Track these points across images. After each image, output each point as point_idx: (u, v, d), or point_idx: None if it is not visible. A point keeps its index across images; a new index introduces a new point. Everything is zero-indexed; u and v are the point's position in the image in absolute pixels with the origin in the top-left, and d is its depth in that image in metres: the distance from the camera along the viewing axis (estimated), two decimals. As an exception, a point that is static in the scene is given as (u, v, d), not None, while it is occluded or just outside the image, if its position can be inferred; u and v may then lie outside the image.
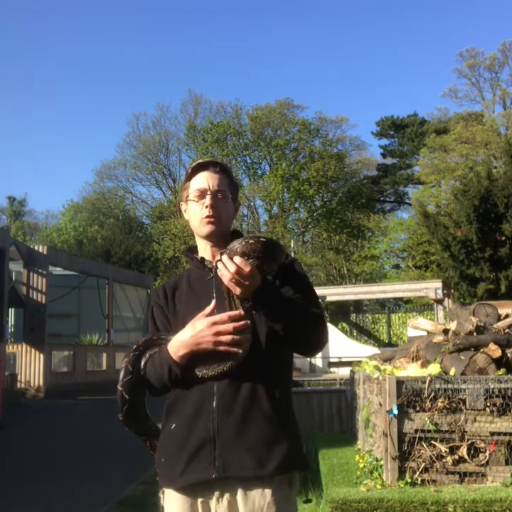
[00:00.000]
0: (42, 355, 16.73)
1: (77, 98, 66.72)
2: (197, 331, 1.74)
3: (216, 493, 1.77)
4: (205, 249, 1.98)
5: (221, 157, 35.27)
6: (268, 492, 1.74)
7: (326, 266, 35.92)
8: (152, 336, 1.90)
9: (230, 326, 1.71)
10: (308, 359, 19.33)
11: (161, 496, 1.91)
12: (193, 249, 2.04)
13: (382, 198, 39.68)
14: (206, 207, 1.91)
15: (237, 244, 1.72)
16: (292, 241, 30.00)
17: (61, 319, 19.94)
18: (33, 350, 16.73)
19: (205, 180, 1.94)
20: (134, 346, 1.87)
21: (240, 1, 61.54)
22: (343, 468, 4.67)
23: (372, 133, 40.82)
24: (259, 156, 36.49)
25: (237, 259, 1.69)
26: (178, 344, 1.76)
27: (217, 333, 1.71)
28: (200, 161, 2.01)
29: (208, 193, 1.92)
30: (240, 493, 1.75)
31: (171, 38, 63.45)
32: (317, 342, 1.84)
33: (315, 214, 35.74)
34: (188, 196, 1.97)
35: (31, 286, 17.24)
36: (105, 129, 69.29)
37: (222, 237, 1.93)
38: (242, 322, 1.72)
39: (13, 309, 18.62)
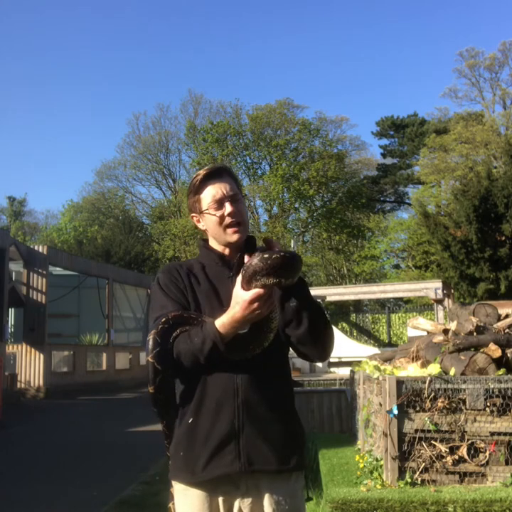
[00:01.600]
0: (42, 355, 16.73)
1: (77, 98, 66.80)
2: (246, 303, 1.69)
3: (241, 489, 1.81)
4: (223, 250, 1.97)
5: (221, 157, 35.31)
6: (290, 483, 1.85)
7: (326, 266, 35.93)
8: (182, 312, 1.84)
9: (267, 294, 1.69)
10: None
11: (172, 491, 1.90)
12: (207, 242, 2.02)
13: (382, 198, 39.69)
14: (229, 214, 1.90)
15: (256, 261, 1.67)
16: (292, 241, 30.00)
17: (61, 319, 19.96)
18: (33, 350, 16.74)
19: (217, 189, 1.93)
20: (163, 319, 1.81)
21: (240, 2, 61.57)
22: (343, 468, 4.67)
23: (372, 133, 40.90)
24: (259, 156, 36.49)
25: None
26: (230, 320, 1.73)
27: (261, 305, 1.69)
28: (203, 172, 1.97)
29: (227, 201, 1.91)
30: (263, 487, 1.81)
31: (171, 39, 63.50)
32: (329, 346, 1.90)
33: (315, 214, 35.75)
34: (203, 209, 1.94)
35: (31, 286, 17.24)
36: (105, 129, 69.34)
37: (242, 242, 1.94)
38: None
39: (13, 309, 18.63)
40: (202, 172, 1.97)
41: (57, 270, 19.07)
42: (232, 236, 1.91)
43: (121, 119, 76.81)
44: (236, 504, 1.82)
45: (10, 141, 69.60)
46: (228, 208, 1.90)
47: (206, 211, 1.93)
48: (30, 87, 66.92)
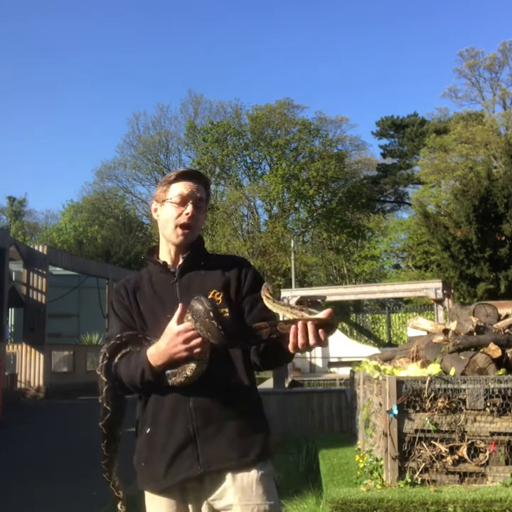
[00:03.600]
0: (42, 355, 16.72)
1: (77, 98, 66.79)
2: (167, 341, 1.75)
3: (205, 485, 1.85)
4: (169, 253, 2.02)
5: (221, 157, 35.33)
6: (254, 471, 1.87)
7: (326, 266, 35.92)
8: (137, 333, 1.92)
9: (194, 333, 1.72)
10: (309, 359, 19.35)
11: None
12: (154, 251, 2.07)
13: (382, 198, 39.68)
14: (187, 214, 1.95)
15: (200, 307, 1.71)
16: (292, 241, 30.01)
17: (61, 319, 19.95)
18: (33, 350, 16.73)
19: (189, 187, 1.98)
20: (118, 335, 1.91)
21: (240, 2, 61.55)
22: (343, 468, 4.67)
23: (372, 133, 40.92)
24: (259, 156, 36.49)
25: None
26: (156, 354, 1.78)
27: (186, 341, 1.72)
28: (184, 169, 2.06)
29: (191, 201, 1.96)
30: (228, 478, 1.84)
31: (171, 39, 63.49)
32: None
33: (315, 214, 35.74)
34: (166, 198, 1.99)
35: (31, 286, 17.23)
36: (105, 129, 69.37)
37: (189, 244, 1.99)
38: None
39: (13, 309, 18.62)
40: (183, 169, 2.08)
41: (57, 270, 19.06)
42: (179, 237, 1.96)
43: (121, 119, 76.92)
44: (204, 504, 1.86)
45: (10, 141, 69.63)
46: (189, 208, 1.95)
47: (168, 200, 1.97)
48: (30, 87, 66.97)
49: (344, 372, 14.38)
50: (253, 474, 1.86)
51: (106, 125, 69.46)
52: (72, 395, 16.16)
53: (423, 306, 24.37)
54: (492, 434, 3.89)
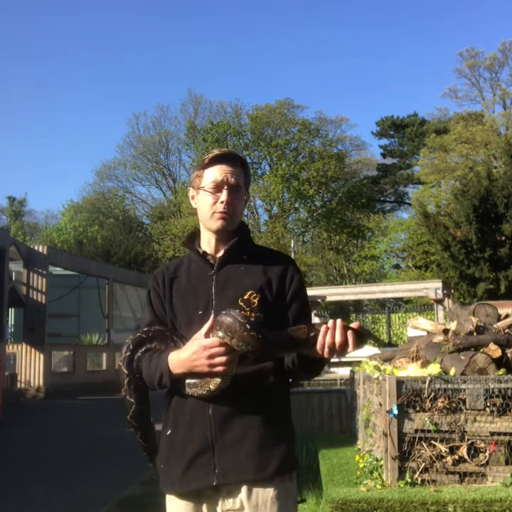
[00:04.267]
0: (42, 355, 16.73)
1: (77, 98, 66.77)
2: (191, 352, 1.70)
3: (222, 495, 1.78)
4: (209, 242, 1.91)
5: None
6: (270, 488, 1.77)
7: (326, 266, 35.92)
8: (165, 330, 1.85)
9: (221, 350, 1.66)
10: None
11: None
12: (195, 236, 1.96)
13: (382, 198, 39.68)
14: (222, 202, 1.84)
15: (230, 320, 1.64)
16: (292, 241, 30.01)
17: (61, 319, 19.95)
18: (33, 350, 16.73)
19: (223, 172, 1.86)
20: (145, 328, 1.86)
21: (240, 2, 61.56)
22: (343, 468, 4.66)
23: (372, 133, 40.87)
24: (259, 156, 36.49)
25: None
26: (177, 361, 1.73)
27: (211, 357, 1.67)
28: (218, 152, 1.90)
29: (225, 187, 1.85)
30: (243, 491, 1.76)
31: (171, 39, 63.49)
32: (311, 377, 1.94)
33: (315, 214, 35.74)
34: (201, 185, 1.88)
35: (31, 286, 17.23)
36: (105, 129, 69.33)
37: (229, 232, 1.88)
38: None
39: (13, 309, 18.62)
40: (217, 151, 1.91)
41: (57, 270, 19.06)
42: (216, 222, 1.85)
43: (121, 119, 76.90)
44: (219, 509, 1.80)
45: (10, 141, 69.63)
46: (224, 195, 1.84)
47: (203, 188, 1.87)
48: (30, 87, 66.96)
49: (344, 372, 14.37)
50: (269, 492, 1.77)
51: (106, 125, 69.53)
52: (72, 395, 16.16)
53: (423, 306, 24.37)
54: (492, 434, 3.88)
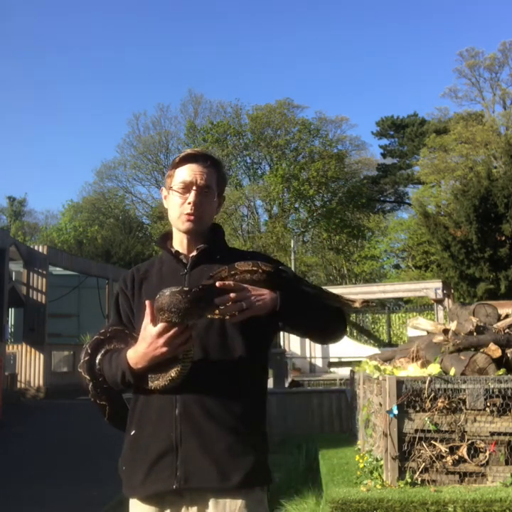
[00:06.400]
0: (42, 355, 16.72)
1: (77, 98, 66.78)
2: (146, 344, 1.63)
3: (186, 502, 1.69)
4: (181, 242, 1.87)
5: (221, 157, 35.29)
6: (239, 499, 1.68)
7: (326, 266, 35.92)
8: (124, 328, 1.82)
9: (175, 331, 1.60)
10: (308, 359, 19.36)
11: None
12: (168, 236, 1.92)
13: (382, 198, 39.69)
14: (189, 203, 1.79)
15: (163, 297, 1.60)
16: (292, 241, 30.01)
17: (61, 319, 19.94)
18: (33, 350, 16.72)
19: (192, 173, 1.81)
20: (102, 330, 1.82)
21: (240, 2, 61.57)
22: (343, 468, 4.67)
23: (372, 133, 40.89)
24: (259, 156, 36.52)
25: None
26: (135, 356, 1.67)
27: (167, 341, 1.60)
28: (189, 151, 1.87)
29: (194, 188, 1.80)
30: (210, 502, 1.68)
31: (171, 39, 63.48)
32: (333, 337, 1.83)
33: (315, 214, 35.75)
34: (171, 185, 1.85)
35: (31, 286, 17.22)
36: (105, 129, 69.34)
37: (200, 233, 1.85)
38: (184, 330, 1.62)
39: (13, 309, 18.61)
40: (189, 150, 1.88)
41: (57, 270, 19.05)
42: (184, 224, 1.81)
43: (121, 119, 76.85)
44: None
45: (10, 141, 69.63)
46: (191, 196, 1.79)
47: (172, 188, 1.84)
48: (30, 87, 66.96)
49: (344, 372, 14.38)
50: (238, 503, 1.67)
51: (106, 125, 69.52)
52: (72, 395, 16.12)
53: (423, 306, 24.38)
54: (492, 434, 3.89)
